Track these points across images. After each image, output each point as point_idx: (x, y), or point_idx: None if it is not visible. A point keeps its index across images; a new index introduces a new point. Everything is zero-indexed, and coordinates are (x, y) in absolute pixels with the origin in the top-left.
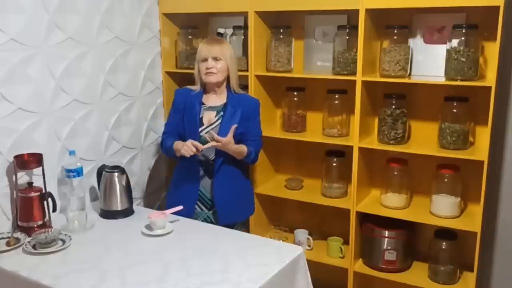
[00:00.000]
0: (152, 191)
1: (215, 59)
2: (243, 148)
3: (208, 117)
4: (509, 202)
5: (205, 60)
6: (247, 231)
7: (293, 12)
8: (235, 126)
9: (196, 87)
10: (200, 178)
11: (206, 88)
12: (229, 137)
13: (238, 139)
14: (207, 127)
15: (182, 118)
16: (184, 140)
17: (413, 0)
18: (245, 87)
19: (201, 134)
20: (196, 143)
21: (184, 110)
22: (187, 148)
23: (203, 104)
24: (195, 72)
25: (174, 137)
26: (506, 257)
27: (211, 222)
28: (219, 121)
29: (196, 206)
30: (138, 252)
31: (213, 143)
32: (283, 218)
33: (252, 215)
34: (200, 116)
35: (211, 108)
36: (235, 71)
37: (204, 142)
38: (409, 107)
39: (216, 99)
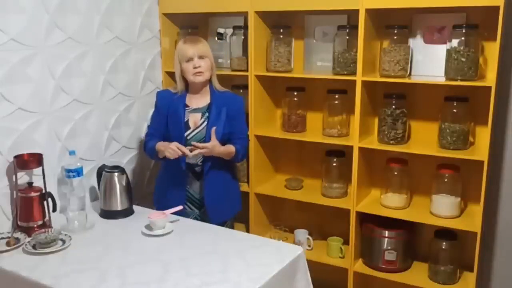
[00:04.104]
0: (152, 191)
1: (201, 57)
2: (230, 149)
3: (194, 119)
4: (509, 202)
5: (191, 59)
6: (232, 226)
7: (293, 12)
8: (214, 128)
9: (178, 89)
10: (188, 181)
11: (189, 89)
12: (213, 140)
13: (225, 139)
14: (193, 130)
15: (166, 121)
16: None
17: (413, 0)
18: (245, 87)
19: (188, 138)
20: (182, 147)
21: (167, 114)
22: (171, 151)
23: (187, 106)
24: (176, 73)
25: (157, 138)
26: (506, 257)
27: (202, 221)
28: (205, 123)
29: (186, 206)
30: (138, 252)
31: (201, 151)
32: (283, 218)
33: (240, 211)
34: (186, 120)
35: (195, 110)
36: (215, 69)
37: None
38: (409, 107)
39: (200, 100)
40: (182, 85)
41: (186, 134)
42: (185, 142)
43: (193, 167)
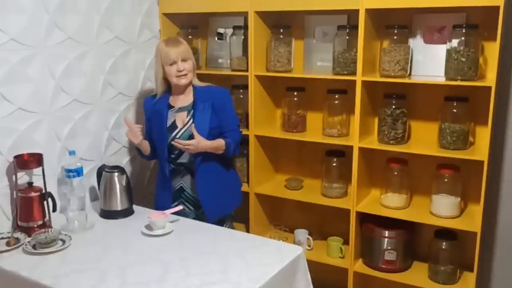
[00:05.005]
0: (152, 191)
1: (184, 60)
2: (219, 142)
3: (181, 118)
4: (509, 202)
5: (174, 62)
6: (232, 226)
7: (293, 12)
8: (193, 125)
9: (157, 91)
10: (182, 180)
11: (173, 90)
12: (197, 137)
13: (216, 133)
14: (181, 129)
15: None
16: (155, 148)
17: (413, 0)
18: (245, 87)
19: (177, 137)
20: (130, 124)
21: (151, 118)
22: (128, 133)
23: (173, 107)
24: (157, 75)
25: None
26: (506, 257)
27: (201, 221)
28: (191, 120)
29: (185, 206)
30: (138, 252)
31: (186, 147)
32: (283, 218)
33: (240, 206)
34: (173, 120)
35: (181, 109)
36: (196, 69)
37: (177, 148)
38: (409, 107)
39: (184, 98)
40: (162, 87)
41: (174, 133)
42: (166, 144)
43: (187, 165)
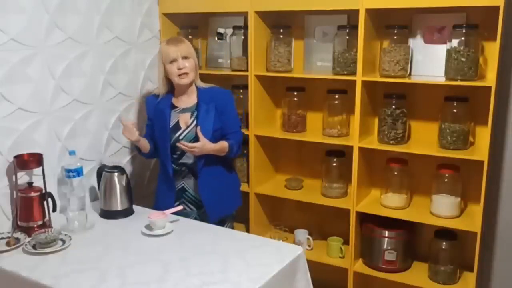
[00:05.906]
0: (152, 191)
1: (185, 58)
2: (223, 144)
3: (184, 119)
4: (509, 202)
5: (174, 61)
6: (232, 226)
7: (293, 12)
8: (199, 128)
9: (160, 92)
10: (183, 181)
11: (175, 90)
12: (202, 139)
13: (219, 135)
14: (184, 130)
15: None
16: (157, 147)
17: (413, 0)
18: (245, 87)
19: (180, 138)
20: (125, 122)
21: (154, 118)
22: (125, 133)
23: (176, 107)
24: (159, 75)
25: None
26: (506, 257)
27: (203, 221)
28: (195, 122)
29: (186, 206)
30: (138, 252)
31: (191, 150)
32: (283, 218)
33: (240, 206)
34: (176, 121)
35: (184, 110)
36: (198, 69)
37: (181, 150)
38: (409, 107)
39: (188, 99)
40: (164, 87)
41: (177, 134)
42: (169, 144)
43: (190, 166)
